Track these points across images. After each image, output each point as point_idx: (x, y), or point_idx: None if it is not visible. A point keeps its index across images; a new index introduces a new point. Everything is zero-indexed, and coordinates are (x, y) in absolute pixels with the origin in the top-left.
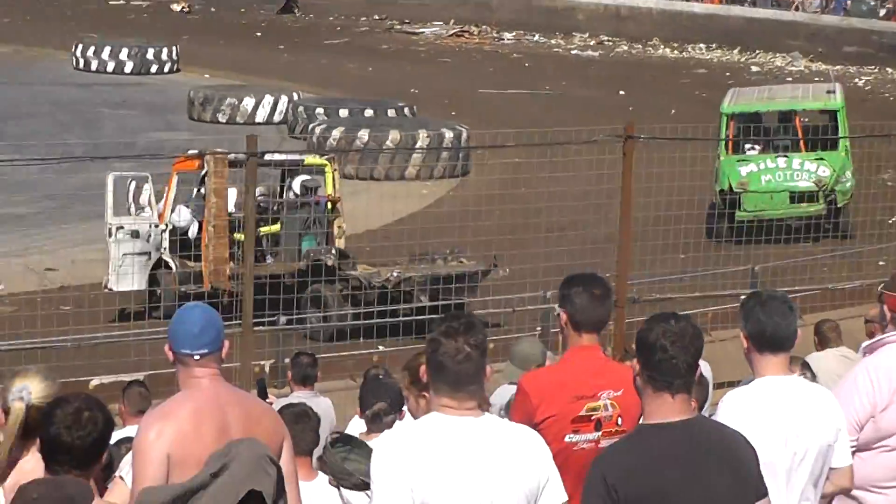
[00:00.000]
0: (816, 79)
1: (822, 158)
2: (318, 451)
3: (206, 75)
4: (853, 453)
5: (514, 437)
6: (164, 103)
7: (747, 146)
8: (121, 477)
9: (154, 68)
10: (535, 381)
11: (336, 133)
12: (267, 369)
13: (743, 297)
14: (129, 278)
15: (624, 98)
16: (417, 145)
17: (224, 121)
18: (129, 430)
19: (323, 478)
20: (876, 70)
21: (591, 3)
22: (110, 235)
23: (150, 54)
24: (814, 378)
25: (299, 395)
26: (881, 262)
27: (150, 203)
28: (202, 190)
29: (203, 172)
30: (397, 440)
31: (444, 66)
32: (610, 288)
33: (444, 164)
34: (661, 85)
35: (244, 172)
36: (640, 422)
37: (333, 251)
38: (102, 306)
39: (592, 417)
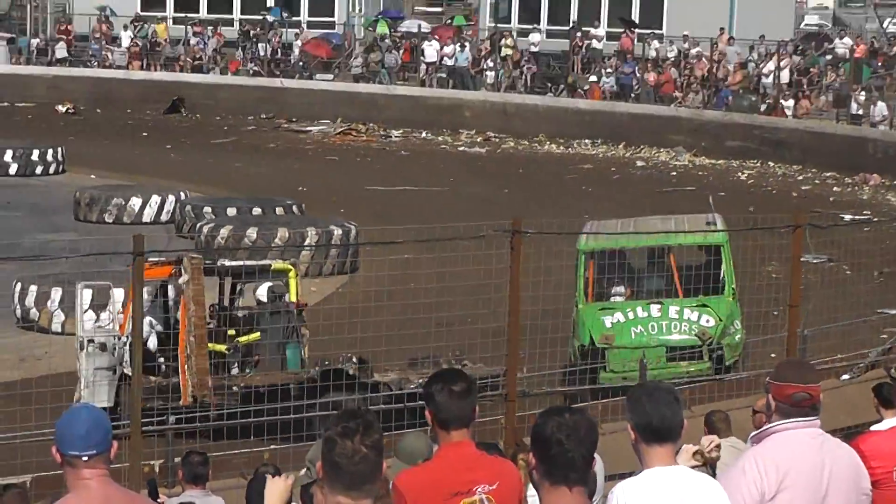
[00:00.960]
0: (691, 187)
1: (705, 305)
2: None
3: (93, 176)
4: None
5: None
6: (50, 204)
7: (612, 292)
8: None
9: (39, 169)
10: (409, 481)
11: (224, 232)
12: (157, 469)
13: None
14: (102, 392)
15: (511, 194)
16: (306, 243)
17: (111, 221)
18: None
19: None
20: (758, 164)
21: (478, 99)
22: (81, 349)
23: (34, 155)
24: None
25: (191, 495)
26: (772, 355)
27: (110, 314)
28: (158, 298)
29: (161, 281)
30: None
31: (331, 164)
32: (472, 382)
33: (332, 261)
34: (548, 180)
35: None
36: None
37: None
38: None
39: None
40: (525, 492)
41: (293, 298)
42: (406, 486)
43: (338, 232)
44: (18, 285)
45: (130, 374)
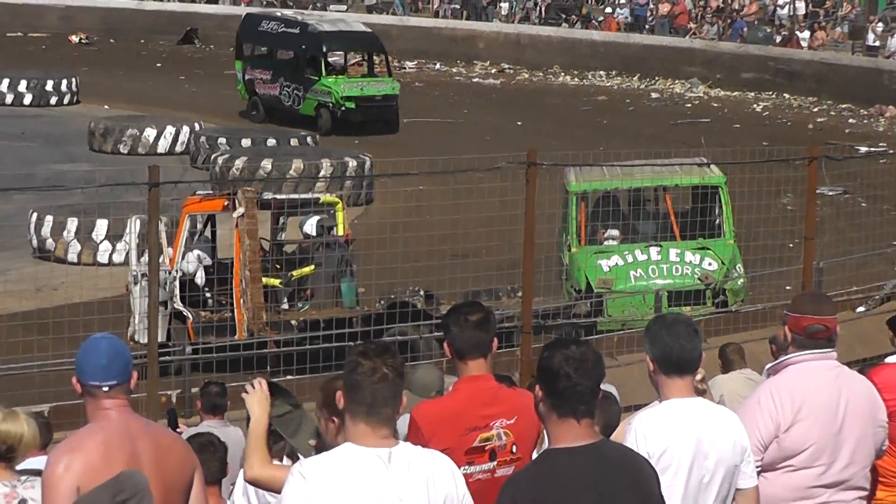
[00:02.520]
0: (706, 118)
1: (706, 248)
2: (227, 480)
3: (107, 106)
4: (758, 474)
5: (432, 465)
6: (64, 135)
7: (605, 234)
8: None
9: (53, 100)
10: (426, 415)
11: (239, 163)
12: (174, 399)
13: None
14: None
15: (525, 125)
16: (321, 174)
17: (125, 152)
18: (32, 462)
19: None
20: (773, 96)
21: (492, 31)
22: (135, 283)
23: (49, 86)
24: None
25: (209, 425)
26: (787, 287)
27: (163, 247)
28: (206, 233)
29: (208, 214)
30: (311, 476)
31: None
32: (489, 313)
33: (347, 192)
34: (561, 112)
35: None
36: (547, 447)
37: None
38: (5, 338)
39: (486, 448)
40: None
41: (340, 232)
42: (423, 419)
43: (352, 163)
44: (34, 216)
45: (182, 309)
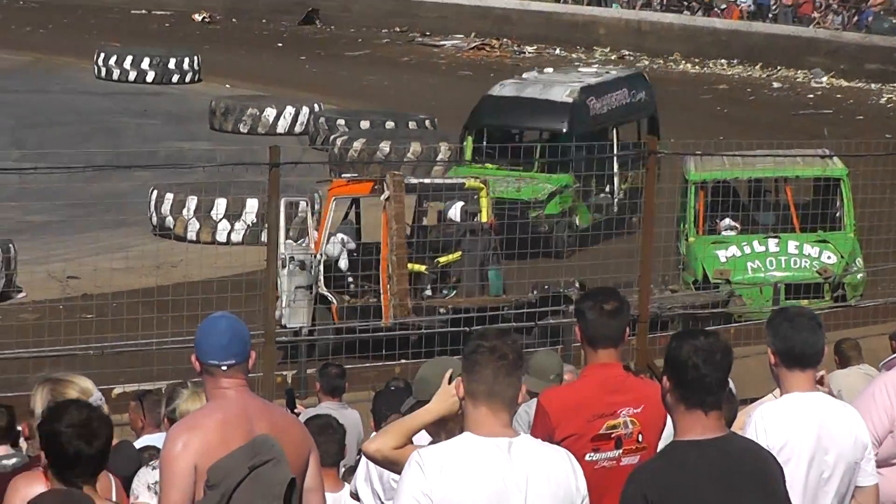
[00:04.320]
0: (828, 110)
1: (825, 241)
2: (345, 462)
3: (228, 85)
4: None
5: (553, 462)
6: (186, 113)
7: (723, 224)
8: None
9: (175, 78)
10: (554, 400)
11: (357, 145)
12: (289, 380)
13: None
14: (300, 313)
15: None
16: (438, 157)
17: (245, 131)
18: (149, 440)
19: (348, 489)
20: None
21: (613, 17)
22: (283, 266)
23: (171, 64)
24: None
25: (327, 407)
26: None
27: (308, 231)
28: (350, 216)
29: (353, 198)
30: (429, 467)
31: (464, 79)
32: (624, 302)
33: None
34: (682, 100)
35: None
36: (674, 439)
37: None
38: (126, 314)
39: (612, 435)
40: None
41: (484, 218)
42: (550, 405)
43: None
44: (154, 193)
45: (326, 293)
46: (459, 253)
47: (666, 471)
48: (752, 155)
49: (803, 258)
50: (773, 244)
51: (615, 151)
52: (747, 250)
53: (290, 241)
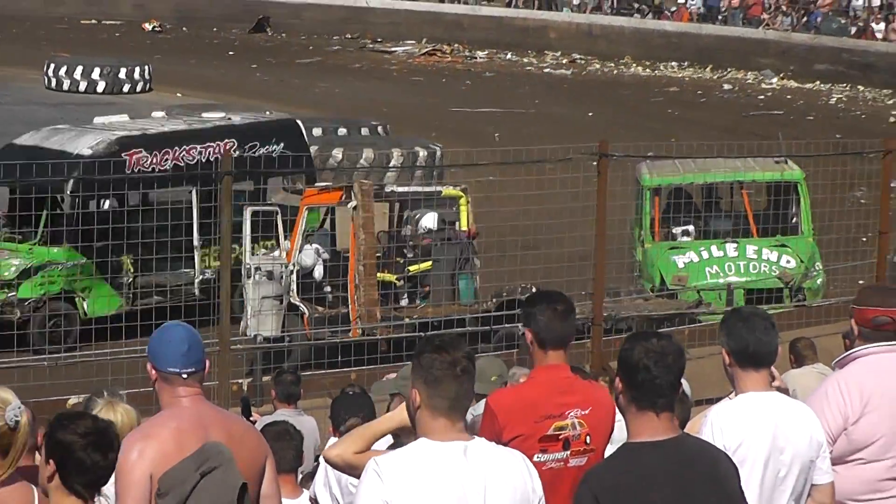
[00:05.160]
0: (779, 110)
1: (784, 245)
2: (302, 469)
3: (179, 94)
4: None
5: (508, 464)
6: None
7: (678, 231)
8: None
9: (126, 87)
10: (501, 401)
11: (311, 151)
12: (245, 388)
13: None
14: (268, 322)
15: (596, 116)
16: (391, 164)
17: None
18: None
19: (307, 495)
20: (847, 88)
21: (564, 21)
22: (248, 276)
23: (122, 73)
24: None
25: (283, 414)
26: (860, 281)
27: (279, 241)
28: (325, 226)
29: (328, 207)
30: (387, 474)
31: (416, 85)
32: (572, 305)
33: (418, 182)
34: (633, 103)
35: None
36: (627, 440)
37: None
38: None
39: (560, 436)
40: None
41: (464, 226)
42: (498, 406)
43: (422, 153)
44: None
45: (297, 302)
46: (430, 263)
47: (617, 472)
48: (707, 159)
49: (762, 263)
50: (731, 249)
51: (195, 218)
52: (705, 255)
53: (263, 250)
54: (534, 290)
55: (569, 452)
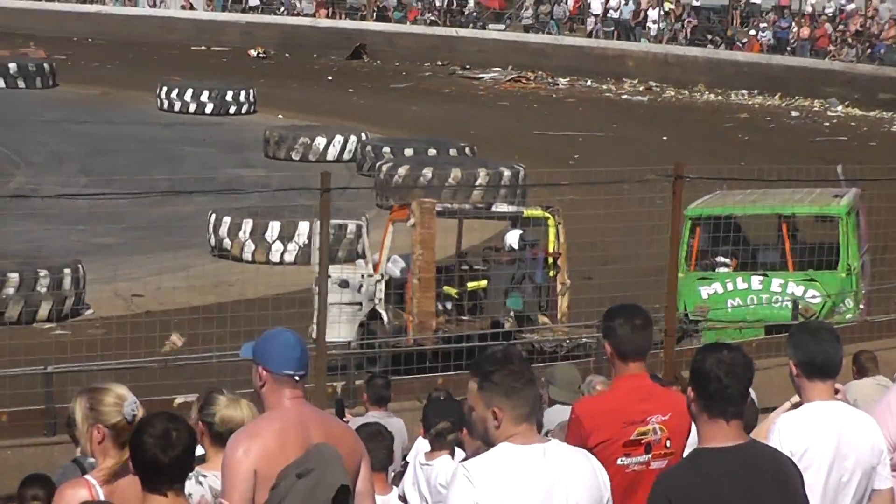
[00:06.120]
0: (843, 136)
1: (812, 280)
2: (393, 468)
3: (281, 116)
4: None
5: (582, 463)
6: (242, 142)
7: (718, 261)
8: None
9: (232, 109)
10: (587, 409)
11: (402, 171)
12: (339, 390)
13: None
14: (335, 328)
15: (670, 141)
16: (477, 183)
17: (297, 159)
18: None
19: (396, 492)
20: None
21: (641, 50)
22: (315, 283)
23: (228, 96)
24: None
25: (374, 415)
26: None
27: (364, 252)
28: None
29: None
30: (477, 477)
31: (502, 109)
32: (649, 317)
33: (502, 200)
34: (705, 128)
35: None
36: (697, 446)
37: (511, 314)
38: (187, 330)
39: (642, 441)
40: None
41: (550, 247)
42: (584, 413)
43: (507, 173)
44: (213, 216)
45: (380, 310)
46: (485, 281)
47: (689, 475)
48: (767, 188)
49: (785, 296)
50: (756, 281)
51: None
52: (730, 287)
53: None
54: (511, 313)
55: (650, 456)
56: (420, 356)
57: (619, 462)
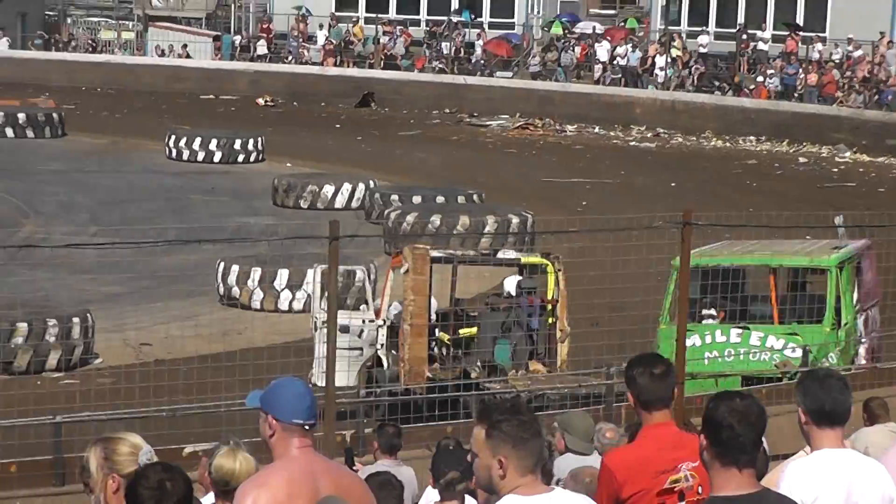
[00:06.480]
0: (852, 182)
1: (794, 334)
2: None
3: (289, 164)
4: None
5: None
6: (250, 190)
7: (704, 313)
8: None
9: (241, 157)
10: (618, 460)
11: (410, 218)
12: (348, 439)
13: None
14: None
15: (678, 187)
16: (486, 230)
17: (306, 206)
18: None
19: None
20: None
21: (649, 97)
22: (315, 329)
23: (237, 144)
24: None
25: (384, 464)
26: None
27: (366, 298)
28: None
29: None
30: None
31: (510, 156)
32: (670, 366)
33: (510, 248)
34: (714, 174)
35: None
36: (711, 494)
37: (478, 364)
38: (196, 378)
39: (675, 489)
40: None
41: (549, 293)
42: (616, 465)
43: (515, 220)
44: (221, 265)
45: (382, 356)
46: (475, 329)
47: None
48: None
49: (763, 351)
50: (735, 335)
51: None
52: (708, 340)
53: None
54: (478, 363)
55: (684, 503)
56: (409, 403)
57: None
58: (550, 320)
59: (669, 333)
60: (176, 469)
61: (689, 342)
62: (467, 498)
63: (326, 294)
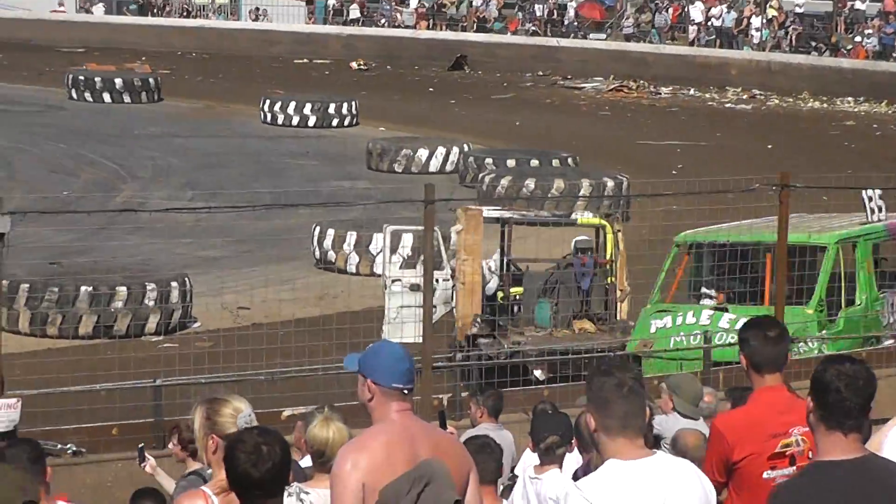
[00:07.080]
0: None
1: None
2: (502, 481)
3: (383, 128)
4: None
5: (688, 475)
6: (344, 154)
7: (703, 293)
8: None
9: (335, 122)
10: (729, 423)
11: (504, 182)
12: (445, 403)
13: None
14: (399, 328)
15: (775, 149)
16: (580, 193)
17: (400, 171)
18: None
19: None
20: None
21: (744, 58)
22: (385, 287)
23: (331, 109)
24: None
25: (485, 427)
26: None
27: (443, 258)
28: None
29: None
30: (593, 495)
31: (604, 119)
32: (784, 329)
33: (605, 211)
34: (811, 136)
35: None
36: (815, 458)
37: (479, 320)
38: (293, 342)
39: (787, 453)
40: None
41: (607, 255)
42: (726, 428)
43: (610, 183)
44: (317, 229)
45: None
46: (522, 288)
47: (806, 489)
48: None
49: (731, 333)
50: (705, 316)
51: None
52: (679, 321)
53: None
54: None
55: (795, 468)
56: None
57: (764, 475)
58: (611, 279)
59: (648, 313)
60: (274, 433)
61: (661, 322)
62: (566, 461)
63: (396, 254)
